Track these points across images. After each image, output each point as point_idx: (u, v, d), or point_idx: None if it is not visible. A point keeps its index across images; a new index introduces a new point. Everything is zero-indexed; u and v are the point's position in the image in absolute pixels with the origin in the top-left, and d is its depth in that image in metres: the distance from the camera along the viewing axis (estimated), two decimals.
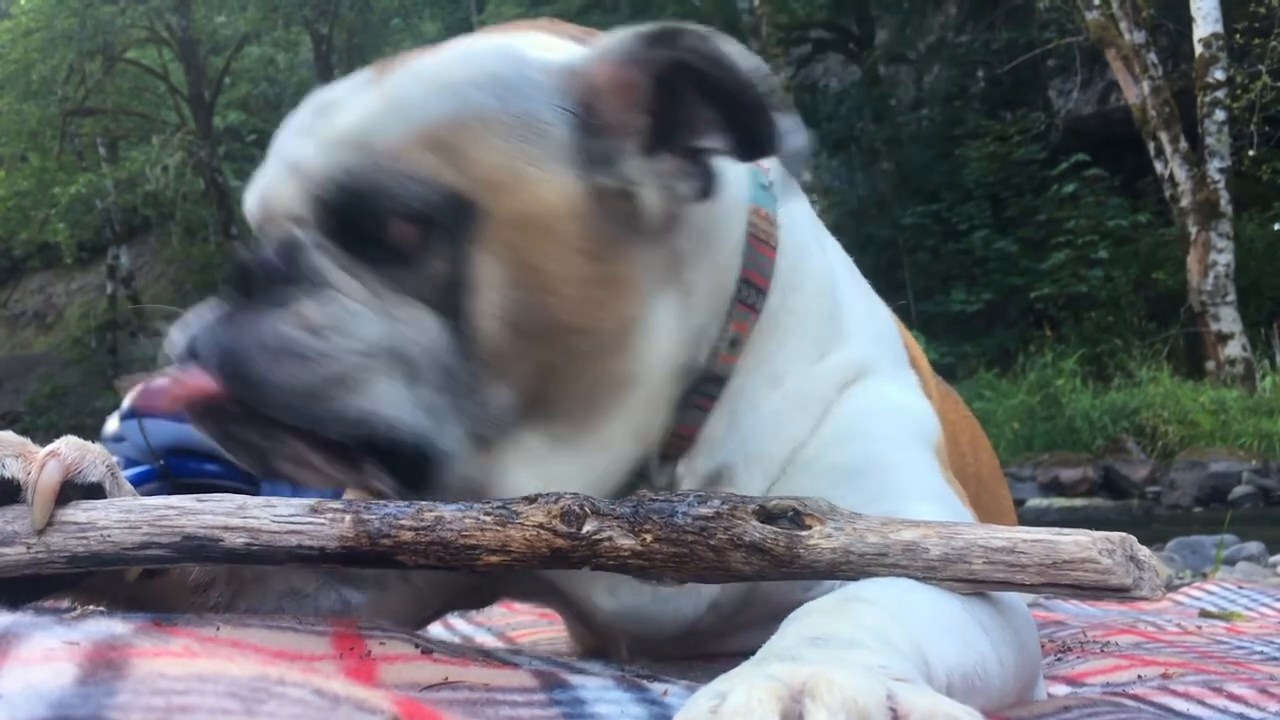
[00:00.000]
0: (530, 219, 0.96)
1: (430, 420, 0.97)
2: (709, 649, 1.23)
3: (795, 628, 0.73)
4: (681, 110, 1.00)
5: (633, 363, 1.03)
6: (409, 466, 0.98)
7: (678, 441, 1.10)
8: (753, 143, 0.98)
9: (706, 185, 1.01)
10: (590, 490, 0.95)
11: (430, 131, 0.96)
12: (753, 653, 0.69)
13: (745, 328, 1.10)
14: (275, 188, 1.02)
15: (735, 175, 1.11)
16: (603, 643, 1.30)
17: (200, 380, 0.95)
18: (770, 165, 1.15)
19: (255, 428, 0.97)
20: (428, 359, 0.97)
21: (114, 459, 0.90)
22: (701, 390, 1.09)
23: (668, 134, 1.00)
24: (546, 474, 1.01)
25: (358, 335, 0.96)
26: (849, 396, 1.14)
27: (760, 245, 1.12)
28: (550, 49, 1.04)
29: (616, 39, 1.01)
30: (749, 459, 1.11)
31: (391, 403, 0.96)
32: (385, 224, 0.96)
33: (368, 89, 1.01)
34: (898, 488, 1.06)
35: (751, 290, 1.10)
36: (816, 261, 1.18)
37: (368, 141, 0.96)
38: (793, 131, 0.96)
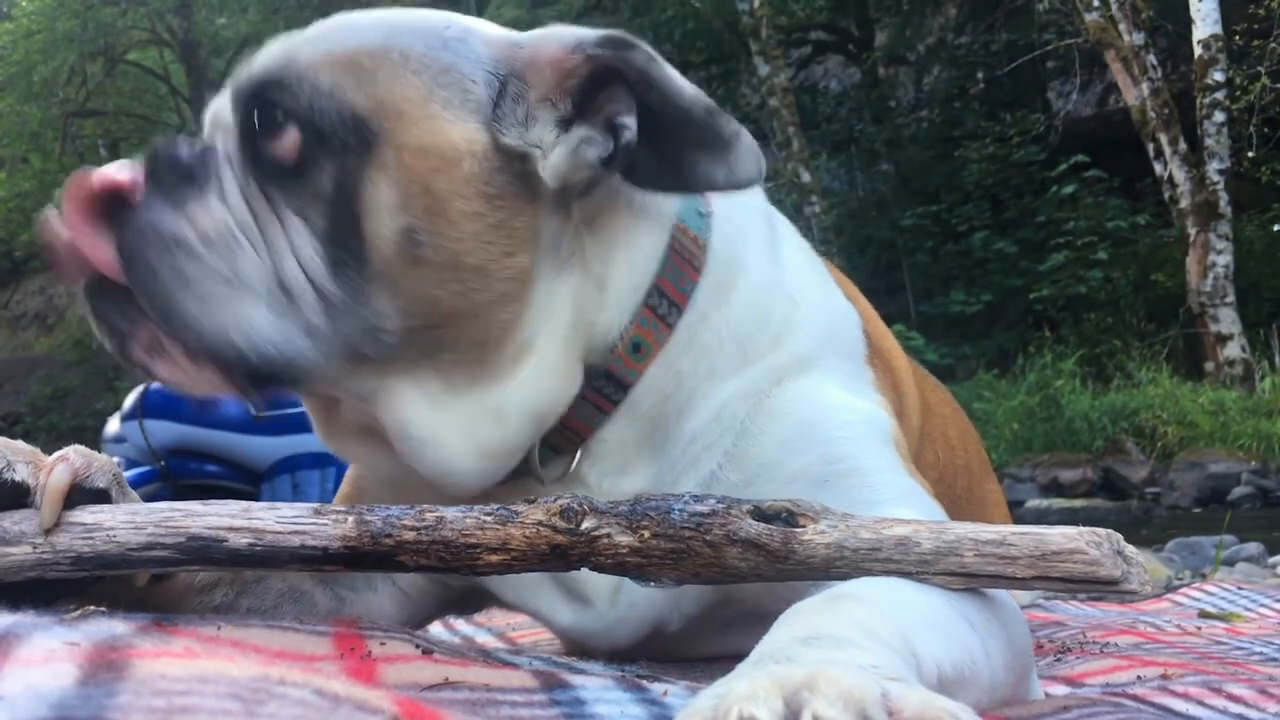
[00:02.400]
0: (432, 150, 1.00)
1: (300, 338, 1.00)
2: (690, 651, 1.24)
3: (786, 629, 0.73)
4: (605, 104, 1.04)
5: (528, 327, 1.06)
6: (263, 379, 1.02)
7: (569, 435, 1.12)
8: (679, 165, 1.04)
9: (611, 157, 1.04)
10: (476, 457, 1.05)
11: (350, 55, 1.02)
12: (742, 655, 0.70)
13: (651, 336, 1.11)
14: (219, 100, 1.09)
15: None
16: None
17: (97, 252, 1.00)
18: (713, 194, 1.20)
19: (124, 311, 1.02)
20: (302, 283, 1.00)
21: (120, 469, 0.92)
22: (598, 389, 1.11)
23: (585, 114, 1.05)
24: (436, 416, 1.05)
25: (233, 259, 1.00)
26: (787, 394, 1.14)
27: (683, 264, 1.14)
28: (502, 32, 1.10)
29: (570, 29, 1.06)
30: (671, 467, 1.13)
31: (252, 330, 0.99)
32: (282, 131, 1.01)
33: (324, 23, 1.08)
34: (869, 495, 1.06)
35: (665, 301, 1.12)
36: (755, 276, 1.18)
37: (294, 56, 1.02)
38: (747, 154, 1.01)
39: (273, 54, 1.05)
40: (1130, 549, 0.86)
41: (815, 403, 1.14)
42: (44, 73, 19.35)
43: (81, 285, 1.04)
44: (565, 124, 1.05)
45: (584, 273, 1.09)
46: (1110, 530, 0.86)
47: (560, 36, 1.06)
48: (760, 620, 0.84)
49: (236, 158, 1.04)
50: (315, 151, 1.00)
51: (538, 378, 1.07)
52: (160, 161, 1.04)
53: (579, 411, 1.11)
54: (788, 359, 1.16)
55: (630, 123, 1.03)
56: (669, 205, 1.15)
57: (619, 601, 1.14)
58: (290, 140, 1.00)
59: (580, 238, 1.09)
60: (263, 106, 1.02)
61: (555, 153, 1.04)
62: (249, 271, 1.00)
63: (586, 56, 1.03)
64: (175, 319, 0.99)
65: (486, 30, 1.10)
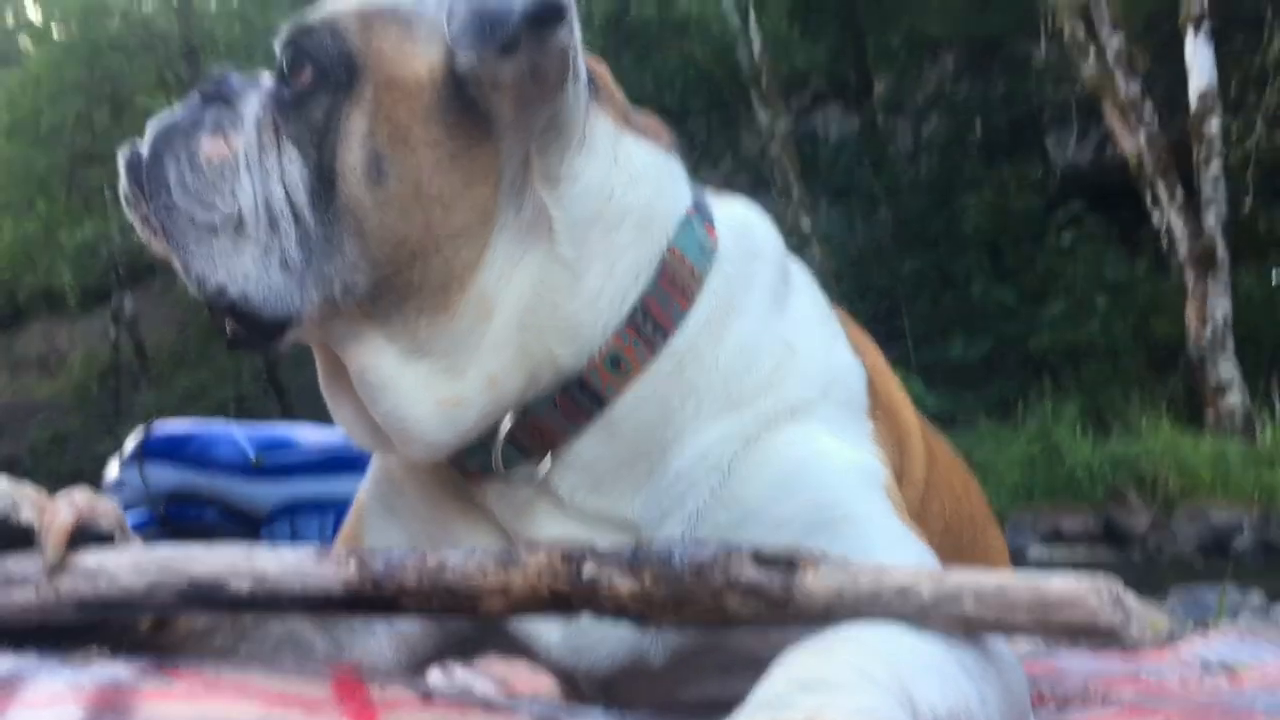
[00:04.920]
0: (398, 81, 1.10)
1: (285, 279, 1.09)
2: (684, 695, 1.24)
3: (783, 672, 0.74)
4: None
5: (487, 271, 1.10)
6: (258, 325, 1.11)
7: (537, 438, 1.13)
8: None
9: (526, 71, 1.07)
10: (432, 404, 1.09)
11: (366, 9, 1.14)
12: (738, 700, 0.70)
13: (633, 354, 1.12)
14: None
15: (649, 208, 1.16)
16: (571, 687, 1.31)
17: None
18: (722, 234, 1.22)
19: (140, 185, 1.14)
20: (290, 212, 1.09)
21: (123, 514, 0.92)
22: (571, 397, 1.12)
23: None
24: (398, 367, 1.11)
25: (236, 190, 1.11)
26: (777, 439, 1.14)
27: (674, 290, 1.15)
28: None
29: None
30: (658, 503, 1.13)
31: (248, 276, 1.09)
32: (302, 69, 1.12)
33: None
34: (862, 542, 1.05)
35: (650, 323, 1.13)
36: (750, 321, 1.19)
37: (333, 8, 1.15)
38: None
39: (324, 6, 1.16)
40: (1130, 598, 0.86)
41: (806, 449, 1.14)
42: (51, 119, 19.53)
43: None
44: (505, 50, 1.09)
45: (551, 249, 1.11)
46: (1110, 579, 0.86)
47: None
48: (755, 664, 0.84)
49: (269, 91, 1.15)
50: (317, 85, 1.11)
51: (494, 342, 1.11)
52: (209, 82, 1.20)
53: (549, 416, 1.12)
54: (778, 405, 1.16)
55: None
56: (661, 226, 1.17)
57: (603, 620, 1.14)
58: (305, 77, 1.12)
59: (542, 204, 1.12)
60: (295, 48, 1.13)
61: (492, 78, 1.08)
62: (241, 193, 1.10)
63: None
64: (170, 232, 1.11)
65: None
